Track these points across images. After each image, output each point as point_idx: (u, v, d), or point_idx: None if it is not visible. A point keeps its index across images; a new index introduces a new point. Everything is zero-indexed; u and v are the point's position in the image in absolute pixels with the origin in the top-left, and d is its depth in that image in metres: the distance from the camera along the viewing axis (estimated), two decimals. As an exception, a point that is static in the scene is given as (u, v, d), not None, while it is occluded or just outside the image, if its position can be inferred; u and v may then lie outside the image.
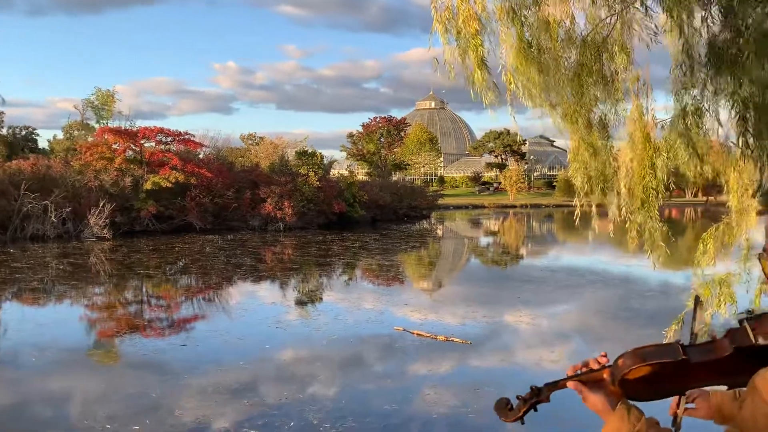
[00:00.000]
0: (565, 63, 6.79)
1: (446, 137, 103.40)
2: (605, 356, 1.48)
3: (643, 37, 6.65)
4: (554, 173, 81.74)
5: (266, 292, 16.80)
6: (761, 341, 1.30)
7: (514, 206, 63.89)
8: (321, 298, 15.69)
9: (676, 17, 6.41)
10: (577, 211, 6.78)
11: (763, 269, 1.39)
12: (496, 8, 7.00)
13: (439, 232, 41.03)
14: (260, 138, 65.08)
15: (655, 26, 6.43)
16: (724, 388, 1.52)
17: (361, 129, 75.30)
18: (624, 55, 6.61)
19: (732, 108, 4.61)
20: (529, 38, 6.97)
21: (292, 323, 12.37)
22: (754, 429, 1.22)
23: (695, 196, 66.52)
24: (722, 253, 6.66)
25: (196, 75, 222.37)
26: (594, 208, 6.65)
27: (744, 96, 4.02)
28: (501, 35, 7.05)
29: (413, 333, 10.66)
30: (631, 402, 1.44)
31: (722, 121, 5.30)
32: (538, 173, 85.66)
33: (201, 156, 39.80)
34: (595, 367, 1.48)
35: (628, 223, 6.14)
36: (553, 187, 74.10)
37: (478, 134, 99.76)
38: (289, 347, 10.24)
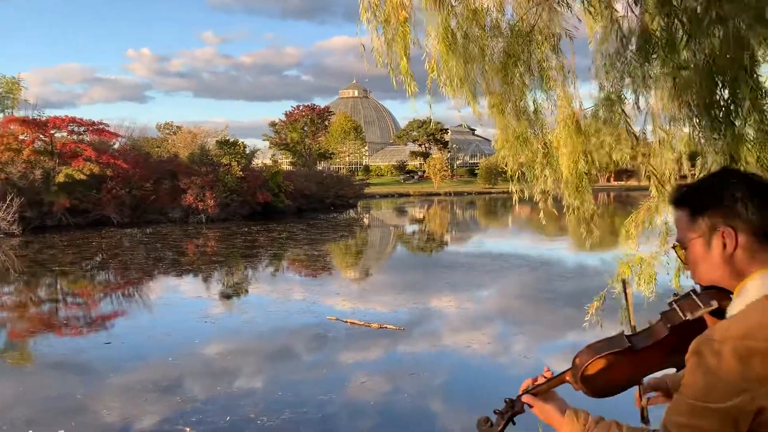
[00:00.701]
0: (493, 52, 6.90)
1: (370, 126, 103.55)
2: (548, 370, 1.61)
3: (568, 25, 6.85)
4: (476, 161, 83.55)
5: (191, 285, 16.35)
6: (689, 316, 1.43)
7: (439, 194, 64.93)
8: (249, 291, 15.41)
9: (596, 6, 6.63)
10: (515, 198, 6.85)
11: (678, 257, 1.50)
12: (424, -3, 7.03)
13: (367, 221, 41.17)
14: (177, 127, 62.95)
15: (578, 15, 6.64)
16: (673, 370, 1.62)
17: (283, 118, 74.39)
18: (549, 44, 6.79)
19: (658, 94, 4.80)
20: (456, 27, 7.04)
21: (221, 317, 12.10)
22: (692, 390, 1.29)
23: (608, 181, 69.67)
24: (644, 236, 7.00)
25: (108, 62, 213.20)
26: (526, 195, 6.79)
27: (675, 82, 4.20)
28: (428, 24, 7.08)
29: (346, 322, 10.67)
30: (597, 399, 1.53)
31: (645, 107, 5.55)
32: (461, 161, 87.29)
33: (116, 147, 38.11)
34: (542, 381, 1.59)
35: (565, 207, 6.32)
36: (475, 174, 75.77)
37: (402, 123, 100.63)
38: (219, 341, 10.01)
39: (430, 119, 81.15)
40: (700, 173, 4.51)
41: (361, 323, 10.53)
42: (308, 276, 17.79)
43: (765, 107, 4.09)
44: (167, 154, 44.14)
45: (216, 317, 11.96)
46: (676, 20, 4.12)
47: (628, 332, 1.56)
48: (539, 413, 1.57)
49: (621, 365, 1.50)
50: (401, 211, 48.73)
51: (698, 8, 3.84)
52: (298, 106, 74.49)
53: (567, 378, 1.57)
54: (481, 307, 12.57)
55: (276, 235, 27.81)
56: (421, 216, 45.23)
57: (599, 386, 1.53)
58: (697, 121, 4.33)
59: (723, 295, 1.40)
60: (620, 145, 6.92)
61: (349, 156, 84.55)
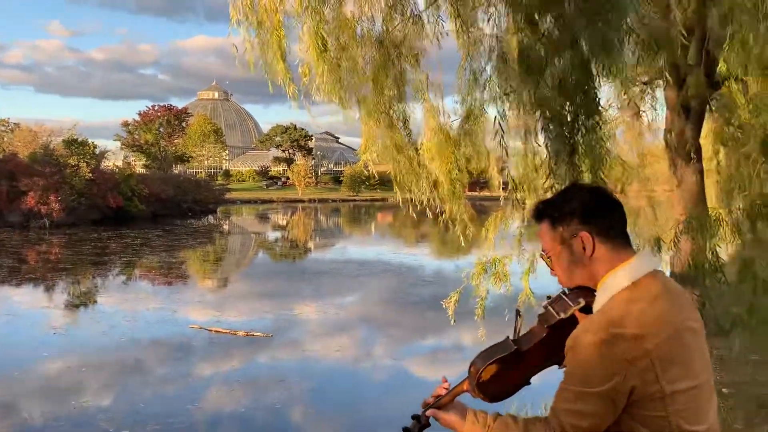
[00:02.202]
0: (365, 61, 7.09)
1: (231, 130, 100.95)
2: (446, 381, 1.75)
3: (433, 41, 7.21)
4: (340, 169, 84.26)
5: (34, 295, 15.02)
6: (563, 315, 1.62)
7: (303, 201, 64.68)
8: (102, 300, 14.41)
9: (460, 25, 7.06)
10: (399, 200, 6.96)
11: (547, 265, 1.70)
12: (297, 3, 7.08)
13: (228, 228, 40.10)
14: (15, 124, 57.37)
15: (447, 33, 7.02)
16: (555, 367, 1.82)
17: (137, 118, 70.49)
18: (414, 57, 7.11)
19: (518, 109, 5.20)
20: (327, 34, 7.15)
21: (73, 328, 11.28)
22: (573, 378, 1.48)
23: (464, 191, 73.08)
24: (498, 239, 7.53)
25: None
26: (398, 200, 7.00)
27: (540, 97, 4.58)
28: (300, 30, 7.13)
29: (211, 330, 10.35)
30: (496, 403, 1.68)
31: (504, 121, 5.99)
32: (325, 169, 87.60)
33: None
34: (443, 393, 1.71)
35: (444, 212, 6.61)
36: (340, 182, 76.36)
37: (265, 128, 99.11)
38: (72, 353, 9.29)
39: (295, 125, 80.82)
40: (547, 181, 4.95)
41: (227, 331, 10.28)
42: (167, 284, 17.02)
43: (599, 123, 4.61)
44: (2, 153, 40.19)
45: (68, 328, 11.12)
46: (538, 42, 4.51)
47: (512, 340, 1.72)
48: (444, 423, 1.69)
49: (511, 368, 1.65)
50: (264, 218, 48.00)
51: (555, 32, 4.25)
52: (153, 106, 71.04)
53: (465, 387, 1.70)
54: (347, 312, 12.75)
55: (130, 242, 26.31)
56: (285, 223, 44.83)
57: (494, 390, 1.68)
58: (550, 133, 4.76)
59: (588, 293, 1.60)
60: (480, 156, 7.42)
61: (208, 160, 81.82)
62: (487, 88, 6.66)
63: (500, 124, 5.88)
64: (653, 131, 8.26)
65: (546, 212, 1.64)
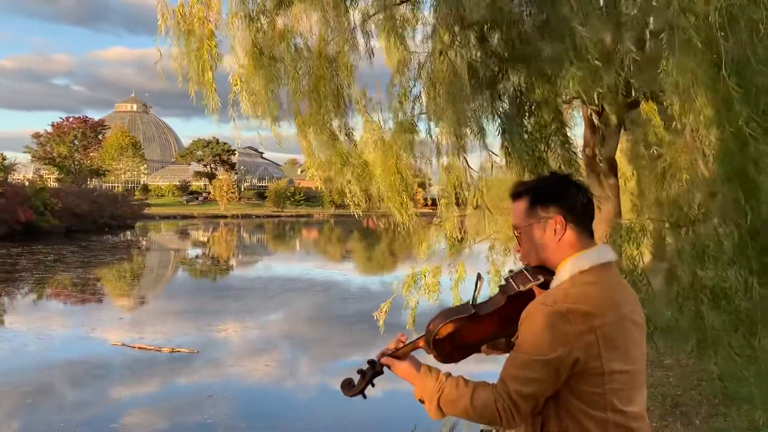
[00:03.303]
0: (302, 74, 7.10)
1: (150, 143, 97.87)
2: (403, 335, 1.83)
3: (366, 57, 7.32)
4: (264, 184, 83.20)
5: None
6: (522, 288, 1.75)
7: (225, 216, 63.37)
8: (12, 319, 13.53)
9: (393, 42, 7.20)
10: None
11: (517, 240, 1.82)
12: (231, 13, 7.03)
13: (147, 244, 38.72)
14: None
15: (380, 48, 7.15)
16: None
17: (50, 129, 67.32)
18: (350, 72, 7.19)
19: (454, 125, 5.33)
20: (262, 46, 7.13)
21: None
22: (523, 346, 1.61)
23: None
24: (431, 251, 7.67)
25: None
26: (324, 216, 7.03)
27: (498, 112, 4.71)
28: (232, 41, 7.08)
29: (134, 347, 9.97)
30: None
31: (436, 135, 6.16)
32: (249, 184, 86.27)
33: None
34: (399, 346, 1.81)
35: (392, 223, 6.65)
36: (264, 197, 75.37)
37: (186, 141, 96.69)
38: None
39: (217, 139, 79.25)
40: (502, 196, 5.11)
41: (151, 347, 9.93)
42: (83, 302, 16.22)
43: (565, 133, 4.81)
44: None
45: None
46: (489, 59, 4.66)
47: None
48: (397, 371, 1.78)
49: (466, 330, 1.76)
50: (185, 234, 46.63)
51: (507, 49, 4.41)
52: (67, 118, 68.29)
53: (420, 344, 1.79)
54: (272, 329, 12.60)
55: (42, 258, 24.95)
56: (206, 239, 43.72)
57: (448, 350, 1.77)
58: (509, 144, 4.91)
59: (547, 272, 1.74)
60: (412, 171, 7.55)
61: (125, 174, 78.98)
62: (416, 103, 6.82)
63: (432, 139, 6.03)
64: (573, 149, 8.66)
65: (527, 192, 1.76)
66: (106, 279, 21.24)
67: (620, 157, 7.79)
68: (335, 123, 6.55)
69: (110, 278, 21.53)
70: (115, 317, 13.66)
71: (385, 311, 7.53)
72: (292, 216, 65.45)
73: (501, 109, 4.79)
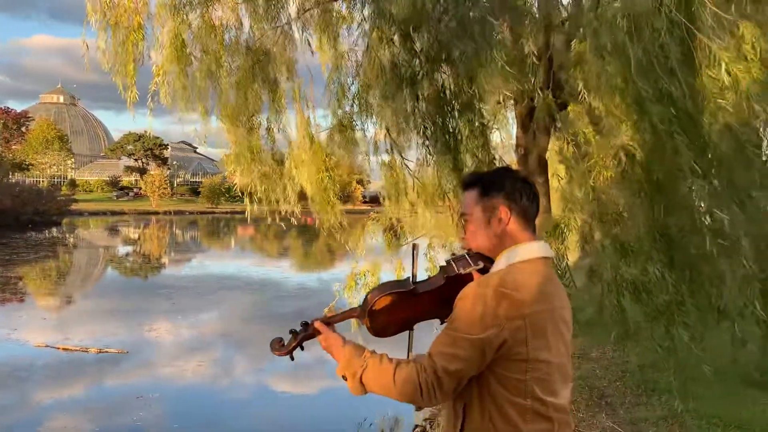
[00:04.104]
0: (232, 68, 6.97)
1: (78, 137, 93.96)
2: (332, 310, 1.88)
3: (302, 53, 7.25)
4: (198, 180, 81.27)
5: None
6: (462, 271, 1.81)
7: (157, 213, 61.49)
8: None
9: (327, 39, 7.17)
10: (248, 212, 6.95)
11: (463, 227, 1.90)
12: (159, 5, 6.83)
13: (74, 241, 37.18)
14: None
15: (314, 44, 7.09)
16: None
17: (-32, 121, 63.73)
18: (287, 67, 7.11)
19: (391, 122, 5.35)
20: (192, 40, 6.96)
21: None
22: (455, 324, 1.66)
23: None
24: (367, 251, 7.70)
25: None
26: (264, 212, 6.95)
27: (419, 110, 4.74)
28: (161, 34, 6.89)
29: (59, 348, 9.56)
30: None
31: (374, 134, 6.16)
32: (182, 179, 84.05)
33: None
34: (335, 314, 1.85)
35: (318, 221, 6.59)
36: (198, 193, 73.58)
37: (116, 135, 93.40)
38: None
39: (148, 132, 76.96)
40: (436, 194, 5.15)
41: (77, 348, 9.55)
42: (4, 302, 15.44)
43: (487, 135, 4.89)
44: None
45: None
46: (413, 58, 4.70)
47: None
48: (324, 341, 1.80)
49: (403, 305, 1.80)
50: (114, 231, 45.03)
51: (431, 50, 4.46)
52: (-13, 109, 64.60)
53: (356, 313, 1.82)
54: (206, 328, 12.33)
55: (-43, 256, 23.64)
56: (137, 236, 42.37)
57: (381, 323, 1.80)
58: (432, 146, 4.96)
59: (488, 260, 1.81)
60: (345, 169, 7.55)
61: (51, 168, 75.58)
62: (355, 101, 6.81)
63: (368, 138, 6.03)
64: (507, 147, 8.86)
65: (479, 182, 1.84)
66: (29, 278, 20.27)
67: (552, 156, 8.02)
68: (264, 118, 6.46)
69: (33, 277, 20.57)
70: (38, 317, 13.09)
71: (332, 308, 7.51)
72: (227, 212, 64.16)
73: (422, 109, 4.84)
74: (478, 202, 1.82)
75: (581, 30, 4.24)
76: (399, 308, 1.79)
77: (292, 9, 6.71)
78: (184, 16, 6.82)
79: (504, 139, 8.97)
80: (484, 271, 1.79)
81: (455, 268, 1.81)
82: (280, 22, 6.92)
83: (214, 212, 65.17)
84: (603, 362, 7.26)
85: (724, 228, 3.34)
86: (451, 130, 4.84)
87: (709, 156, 3.33)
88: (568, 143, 5.68)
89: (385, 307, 1.78)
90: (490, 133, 5.04)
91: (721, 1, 3.12)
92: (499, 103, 9.38)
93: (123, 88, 6.62)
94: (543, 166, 7.46)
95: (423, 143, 5.00)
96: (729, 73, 3.09)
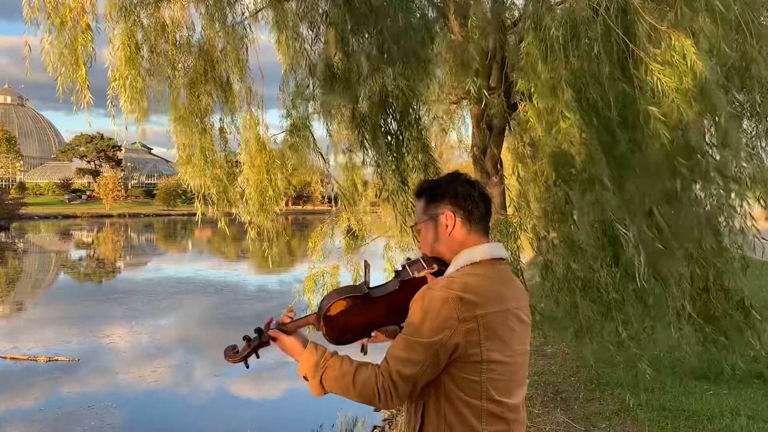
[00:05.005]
0: (184, 68, 6.85)
1: (27, 138, 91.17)
2: (292, 310, 1.88)
3: (254, 52, 7.17)
4: (153, 181, 79.70)
5: None
6: (416, 274, 1.82)
7: (111, 216, 60.09)
8: None
9: (284, 39, 7.10)
10: (198, 215, 6.84)
11: (415, 235, 1.96)
12: (108, 4, 6.67)
13: (24, 246, 36.02)
14: None
15: (268, 44, 7.02)
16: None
17: None
18: (239, 67, 7.02)
19: (343, 123, 5.33)
20: (142, 40, 6.82)
21: None
22: (409, 328, 1.67)
23: (286, 205, 72.83)
24: (325, 252, 7.66)
25: None
26: (214, 215, 6.83)
27: (362, 112, 4.74)
28: (113, 36, 6.71)
29: (7, 357, 9.24)
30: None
31: (327, 135, 6.12)
32: (136, 181, 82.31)
33: None
34: (287, 321, 1.83)
35: (249, 225, 6.53)
36: (153, 195, 72.16)
37: (67, 137, 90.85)
38: None
39: (102, 135, 75.11)
40: (382, 193, 5.16)
41: (25, 357, 9.25)
42: (-53, 311, 14.89)
43: (424, 140, 4.92)
44: None
45: None
46: (360, 58, 4.69)
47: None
48: (282, 346, 1.79)
49: (358, 310, 1.78)
50: (66, 235, 43.80)
51: (373, 50, 4.47)
52: (-71, 110, 62.05)
53: (311, 320, 1.80)
54: (163, 334, 12.09)
55: None
56: (91, 240, 41.30)
57: (338, 329, 1.78)
58: (374, 148, 4.97)
59: (442, 263, 1.82)
60: (303, 169, 7.50)
61: (-1, 171, 73.10)
62: (311, 102, 6.76)
63: (324, 138, 6.00)
64: (462, 147, 8.95)
65: (425, 191, 1.87)
66: (-24, 285, 19.57)
67: (506, 156, 8.12)
68: (214, 119, 6.37)
69: (-20, 284, 19.85)
70: (-16, 326, 12.64)
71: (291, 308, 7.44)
72: (183, 214, 63.06)
73: (362, 111, 4.83)
74: (425, 210, 1.85)
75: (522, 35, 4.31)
76: (354, 314, 1.78)
77: (245, 9, 6.63)
78: (136, 17, 6.67)
79: (465, 139, 9.05)
80: (438, 273, 1.80)
81: (409, 273, 1.82)
82: (233, 22, 6.83)
83: (170, 214, 64.00)
84: (558, 358, 7.39)
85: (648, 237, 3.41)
86: (392, 132, 4.85)
87: (629, 164, 3.40)
88: (521, 143, 5.76)
89: (341, 313, 1.76)
90: (428, 135, 5.08)
91: (655, 11, 3.20)
92: (454, 103, 9.47)
93: (71, 90, 6.42)
94: (496, 165, 7.55)
95: (362, 144, 5.00)
96: (660, 81, 3.17)
